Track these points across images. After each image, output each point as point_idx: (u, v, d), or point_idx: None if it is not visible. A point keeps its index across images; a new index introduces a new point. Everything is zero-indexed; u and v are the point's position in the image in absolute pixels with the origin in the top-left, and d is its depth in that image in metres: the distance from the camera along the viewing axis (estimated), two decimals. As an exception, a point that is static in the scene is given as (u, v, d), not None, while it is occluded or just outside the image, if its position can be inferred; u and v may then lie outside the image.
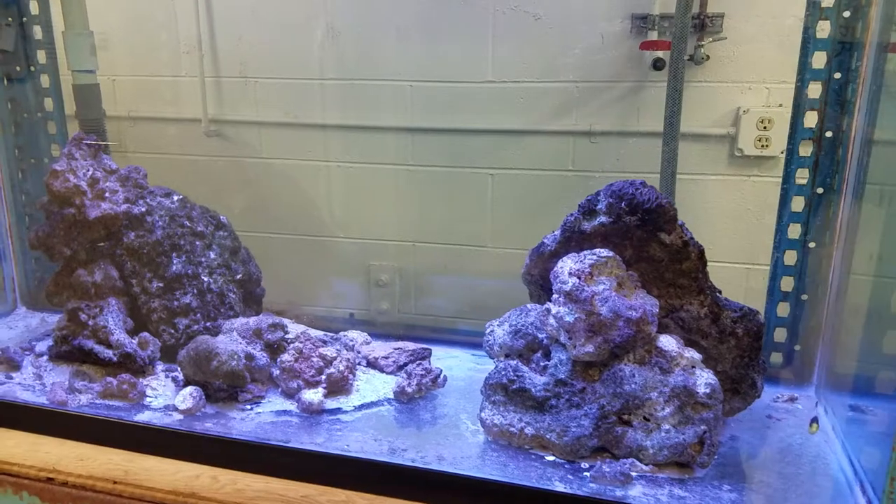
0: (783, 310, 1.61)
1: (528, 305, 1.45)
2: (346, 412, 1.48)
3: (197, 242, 1.69)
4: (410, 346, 1.71)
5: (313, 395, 1.49)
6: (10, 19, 1.91)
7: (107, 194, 1.61)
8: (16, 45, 1.93)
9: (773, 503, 1.18)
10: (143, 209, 1.64)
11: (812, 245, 1.55)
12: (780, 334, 1.62)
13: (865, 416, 1.29)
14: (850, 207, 1.46)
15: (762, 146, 1.90)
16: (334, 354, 1.56)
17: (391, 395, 1.54)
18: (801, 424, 1.43)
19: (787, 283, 1.59)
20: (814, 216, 1.54)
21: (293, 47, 2.12)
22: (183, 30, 2.19)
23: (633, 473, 1.23)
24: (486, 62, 2.00)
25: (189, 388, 1.47)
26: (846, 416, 1.37)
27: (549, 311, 1.31)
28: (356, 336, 1.77)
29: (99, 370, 1.58)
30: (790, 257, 1.58)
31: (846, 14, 1.43)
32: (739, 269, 1.96)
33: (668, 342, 1.28)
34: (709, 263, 1.37)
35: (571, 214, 1.36)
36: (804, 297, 1.58)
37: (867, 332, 1.29)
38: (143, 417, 1.45)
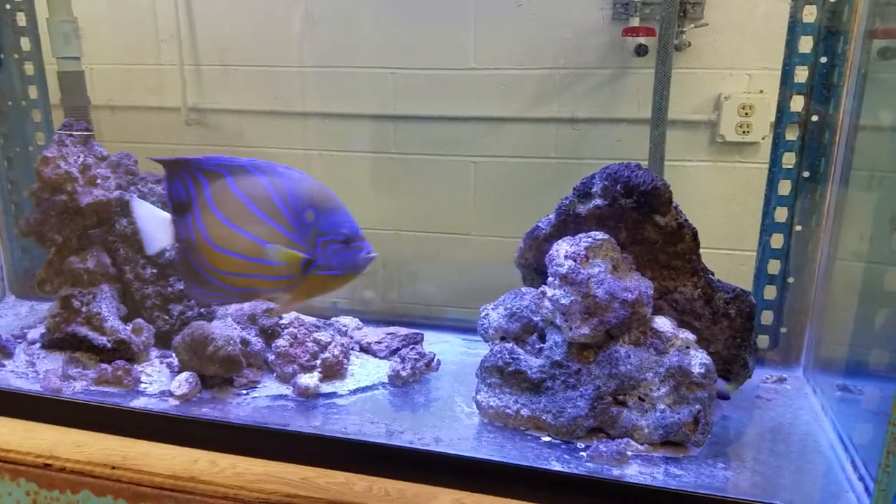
0: (770, 293, 1.63)
1: (523, 289, 1.47)
2: (341, 396, 1.49)
3: (190, 229, 1.69)
4: (402, 331, 1.72)
5: (309, 380, 1.49)
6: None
7: (98, 181, 1.60)
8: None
9: (767, 479, 1.20)
10: (136, 195, 1.63)
11: (799, 228, 1.58)
12: (766, 317, 1.64)
13: (854, 396, 1.32)
14: (837, 191, 1.49)
15: (743, 132, 1.94)
16: (329, 339, 1.57)
17: (385, 380, 1.55)
18: (790, 405, 1.46)
19: (773, 266, 1.62)
20: (800, 200, 1.57)
21: (272, 35, 2.11)
22: (162, 17, 2.17)
23: (629, 452, 1.25)
24: (469, 49, 2.01)
25: (185, 374, 1.47)
26: (835, 395, 1.40)
27: (544, 293, 1.33)
28: (348, 321, 1.77)
29: (93, 357, 1.57)
30: (777, 241, 1.60)
31: (832, -1, 1.45)
32: (723, 254, 2.00)
33: (662, 323, 1.31)
34: (698, 247, 1.39)
35: (566, 198, 1.38)
36: (790, 279, 1.61)
37: (857, 313, 1.32)
38: (138, 403, 1.44)
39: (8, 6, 1.89)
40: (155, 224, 1.38)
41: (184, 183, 1.34)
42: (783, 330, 1.64)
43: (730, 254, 2.00)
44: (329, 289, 1.39)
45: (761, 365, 1.61)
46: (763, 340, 1.65)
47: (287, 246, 1.30)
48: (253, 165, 1.31)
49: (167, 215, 1.37)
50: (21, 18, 1.91)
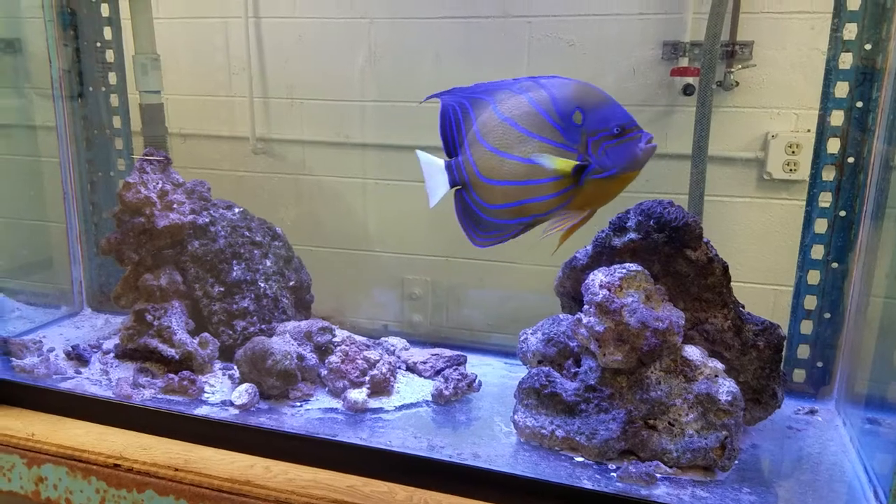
0: (806, 327, 1.67)
1: (560, 315, 1.54)
2: (387, 412, 1.58)
3: (255, 251, 1.82)
4: (447, 352, 1.80)
5: (358, 395, 1.59)
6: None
7: (174, 205, 1.75)
8: (87, 65, 2.08)
9: (789, 506, 1.25)
10: (207, 220, 1.78)
11: (835, 265, 1.61)
12: (803, 351, 1.68)
13: (880, 428, 1.35)
14: (869, 229, 1.53)
15: (790, 170, 1.97)
16: (377, 357, 1.67)
17: (429, 398, 1.64)
18: (819, 436, 1.49)
19: (810, 302, 1.66)
20: (836, 237, 1.61)
21: (336, 70, 2.25)
22: (234, 53, 2.34)
23: (658, 475, 1.31)
24: (522, 86, 2.10)
25: (245, 385, 1.59)
26: (863, 427, 1.43)
27: (580, 320, 1.40)
28: (396, 342, 1.87)
29: (161, 367, 1.69)
30: (813, 277, 1.64)
31: (867, 46, 1.51)
32: (767, 289, 2.03)
33: (692, 352, 1.37)
34: (737, 283, 1.44)
35: (602, 231, 1.46)
36: (826, 315, 1.64)
37: (882, 349, 1.36)
38: (201, 411, 1.56)
39: (98, 44, 2.08)
40: (433, 173, 1.39)
41: (455, 116, 1.32)
42: (818, 364, 1.67)
43: (775, 289, 2.03)
44: (610, 194, 1.27)
45: (795, 397, 1.64)
46: (799, 374, 1.68)
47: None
48: (517, 86, 1.26)
49: (441, 161, 1.37)
50: (109, 55, 2.10)
